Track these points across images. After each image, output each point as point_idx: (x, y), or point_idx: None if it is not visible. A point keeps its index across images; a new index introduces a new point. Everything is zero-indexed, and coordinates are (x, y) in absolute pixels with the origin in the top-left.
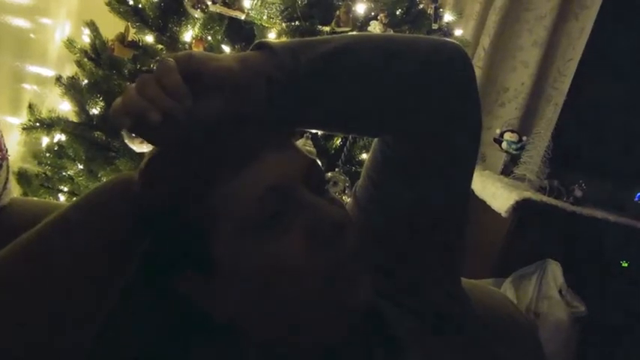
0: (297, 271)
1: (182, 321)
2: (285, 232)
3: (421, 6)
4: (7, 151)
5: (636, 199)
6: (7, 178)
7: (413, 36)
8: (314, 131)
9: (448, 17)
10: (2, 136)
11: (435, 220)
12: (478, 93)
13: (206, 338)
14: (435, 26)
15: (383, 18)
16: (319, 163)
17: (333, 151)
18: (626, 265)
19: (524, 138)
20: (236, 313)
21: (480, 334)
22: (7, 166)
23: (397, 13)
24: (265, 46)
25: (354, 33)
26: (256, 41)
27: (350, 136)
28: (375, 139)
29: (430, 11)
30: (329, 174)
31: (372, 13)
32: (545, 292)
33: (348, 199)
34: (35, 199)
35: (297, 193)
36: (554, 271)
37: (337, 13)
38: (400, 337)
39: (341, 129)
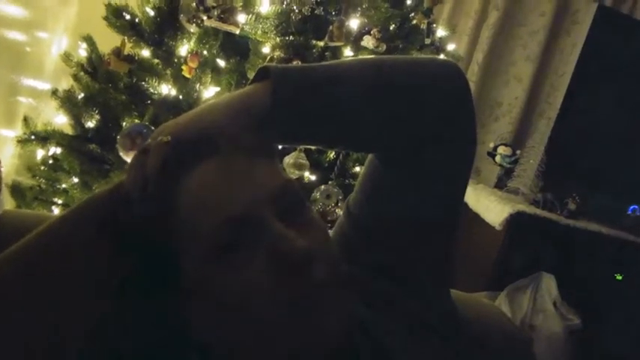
0: (260, 298)
1: (163, 338)
2: (249, 259)
3: (414, 21)
4: (0, 163)
5: (629, 211)
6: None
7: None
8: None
9: (441, 32)
10: None
11: (426, 232)
12: (473, 105)
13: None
14: (427, 41)
15: (376, 33)
16: (295, 182)
17: (326, 164)
18: (620, 278)
19: (518, 152)
20: (212, 338)
21: (469, 346)
22: (0, 178)
23: (390, 28)
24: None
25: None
26: (259, 67)
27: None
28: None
29: (423, 26)
30: (322, 187)
31: (366, 28)
32: (540, 305)
33: (341, 212)
34: (28, 210)
35: (261, 221)
36: (549, 284)
37: (330, 27)
38: (387, 344)
39: (335, 146)
